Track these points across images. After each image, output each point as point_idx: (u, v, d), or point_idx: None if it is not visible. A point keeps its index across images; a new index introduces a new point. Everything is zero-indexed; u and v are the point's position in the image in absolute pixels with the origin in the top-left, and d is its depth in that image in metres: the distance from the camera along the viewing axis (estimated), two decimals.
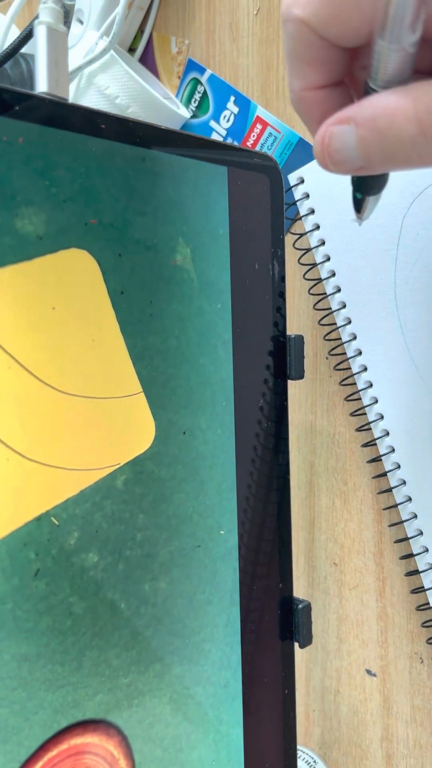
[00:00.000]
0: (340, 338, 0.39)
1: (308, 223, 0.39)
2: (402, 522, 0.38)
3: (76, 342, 0.25)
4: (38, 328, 0.24)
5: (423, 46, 0.20)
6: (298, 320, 0.43)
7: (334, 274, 0.39)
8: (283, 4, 0.21)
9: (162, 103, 0.43)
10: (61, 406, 0.24)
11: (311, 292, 0.41)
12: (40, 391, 0.24)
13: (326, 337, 0.41)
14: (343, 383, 0.41)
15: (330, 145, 0.22)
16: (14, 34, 0.47)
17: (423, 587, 0.37)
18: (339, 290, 0.39)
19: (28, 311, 0.23)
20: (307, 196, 0.39)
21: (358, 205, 0.26)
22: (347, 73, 0.23)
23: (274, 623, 0.33)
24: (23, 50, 0.41)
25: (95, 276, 0.25)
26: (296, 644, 0.34)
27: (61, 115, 0.24)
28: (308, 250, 0.40)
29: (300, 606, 0.34)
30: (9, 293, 0.23)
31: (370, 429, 0.39)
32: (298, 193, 0.39)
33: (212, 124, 0.45)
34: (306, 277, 0.41)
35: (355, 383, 0.39)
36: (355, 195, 0.26)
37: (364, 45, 0.21)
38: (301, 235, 0.40)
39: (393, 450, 0.38)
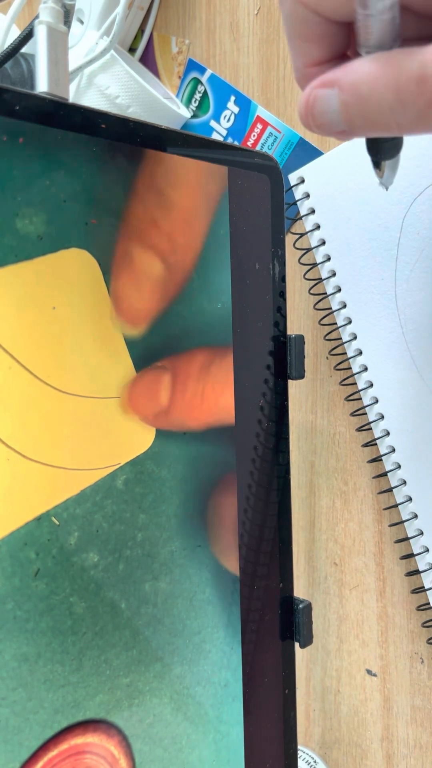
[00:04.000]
0: (341, 338, 0.39)
1: (308, 223, 0.39)
2: (402, 522, 0.38)
3: (77, 342, 0.25)
4: (39, 327, 0.24)
5: (409, 16, 0.21)
6: (299, 320, 0.43)
7: (334, 274, 0.39)
8: None
9: (162, 102, 0.43)
10: (62, 406, 0.24)
11: (311, 291, 0.41)
12: (41, 390, 0.24)
13: (327, 337, 0.41)
14: (343, 383, 0.41)
15: (314, 107, 0.22)
16: (15, 33, 0.47)
17: (423, 587, 0.37)
18: (339, 290, 0.39)
19: (29, 311, 0.23)
20: (308, 195, 0.39)
21: (378, 168, 0.26)
22: (350, 47, 0.23)
23: (275, 623, 0.33)
24: (24, 50, 0.41)
25: (96, 275, 0.25)
26: (297, 644, 0.34)
27: (62, 115, 0.24)
28: (308, 249, 0.40)
29: (300, 606, 0.34)
30: (9, 293, 0.23)
31: (371, 429, 0.39)
32: (298, 193, 0.39)
33: (213, 123, 0.45)
34: (306, 277, 0.41)
35: (355, 383, 0.39)
36: (372, 159, 0.26)
37: None
38: (302, 234, 0.40)
39: (393, 450, 0.38)
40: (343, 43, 0.23)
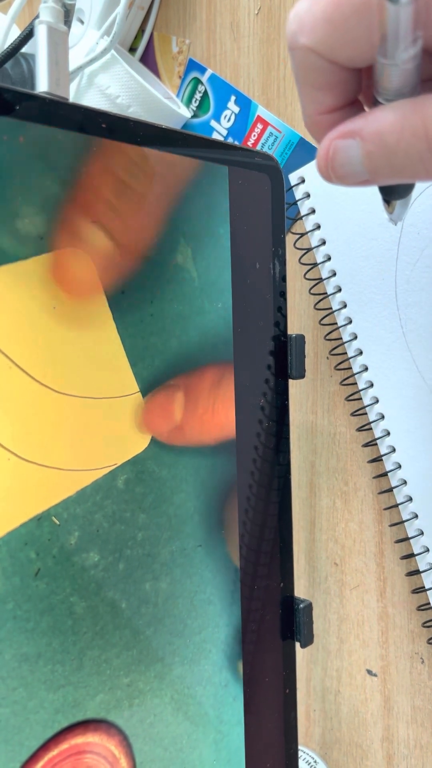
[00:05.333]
0: (341, 338, 0.39)
1: (309, 223, 0.39)
2: (403, 522, 0.38)
3: (73, 342, 0.25)
4: (35, 329, 0.24)
5: (426, 58, 0.20)
6: (299, 320, 0.43)
7: (334, 274, 0.39)
8: (288, 32, 0.21)
9: (163, 102, 0.43)
10: (57, 407, 0.24)
11: (312, 291, 0.41)
12: (37, 391, 0.24)
13: (327, 337, 0.41)
14: (343, 383, 0.41)
15: (334, 159, 0.22)
16: (15, 33, 0.47)
17: (424, 587, 0.37)
18: (340, 290, 0.39)
19: (25, 312, 0.23)
20: (308, 195, 0.39)
21: (388, 204, 0.26)
22: (361, 91, 0.23)
23: (275, 623, 0.33)
24: (24, 50, 0.41)
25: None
26: (297, 644, 0.34)
27: (62, 115, 0.24)
28: (309, 249, 0.40)
29: (301, 606, 0.34)
30: (5, 293, 0.23)
31: (371, 429, 0.39)
32: (298, 193, 0.39)
33: (213, 123, 0.45)
34: (307, 276, 0.41)
35: (355, 383, 0.39)
36: (383, 199, 0.26)
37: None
38: (302, 234, 0.40)
39: (394, 450, 0.38)
40: (355, 89, 0.22)
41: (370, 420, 0.39)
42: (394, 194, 0.25)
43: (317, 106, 0.22)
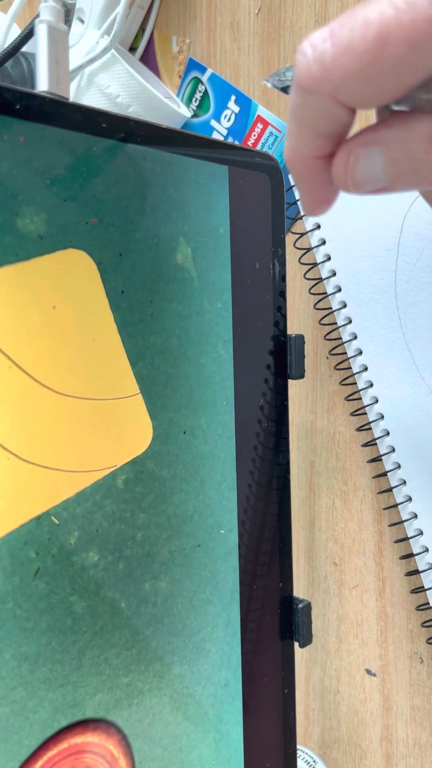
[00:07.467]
0: (341, 338, 0.39)
1: (309, 223, 0.39)
2: (402, 522, 0.38)
3: (74, 343, 0.25)
4: (35, 329, 0.24)
5: None
6: (299, 320, 0.43)
7: (334, 274, 0.39)
8: (305, 73, 0.19)
9: (163, 102, 0.43)
10: (58, 408, 0.24)
11: (312, 291, 0.41)
12: (37, 392, 0.24)
13: (327, 337, 0.41)
14: (343, 383, 0.41)
15: (355, 167, 0.21)
16: (15, 32, 0.47)
17: (423, 587, 0.37)
18: (339, 290, 0.39)
19: (26, 312, 0.23)
20: None
21: None
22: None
23: (274, 623, 0.33)
24: (24, 49, 0.41)
25: (93, 277, 0.25)
26: (296, 644, 0.35)
27: (62, 114, 0.24)
28: (309, 249, 0.40)
29: (300, 605, 0.34)
30: (6, 294, 0.23)
31: (371, 429, 0.39)
32: (298, 193, 0.39)
33: (213, 123, 0.45)
34: (307, 276, 0.41)
35: (355, 383, 0.39)
36: None
37: None
38: (302, 234, 0.40)
39: (393, 450, 0.38)
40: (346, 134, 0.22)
41: (370, 420, 0.39)
42: None
43: (313, 150, 0.21)
